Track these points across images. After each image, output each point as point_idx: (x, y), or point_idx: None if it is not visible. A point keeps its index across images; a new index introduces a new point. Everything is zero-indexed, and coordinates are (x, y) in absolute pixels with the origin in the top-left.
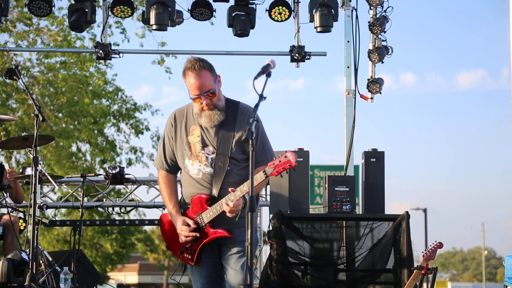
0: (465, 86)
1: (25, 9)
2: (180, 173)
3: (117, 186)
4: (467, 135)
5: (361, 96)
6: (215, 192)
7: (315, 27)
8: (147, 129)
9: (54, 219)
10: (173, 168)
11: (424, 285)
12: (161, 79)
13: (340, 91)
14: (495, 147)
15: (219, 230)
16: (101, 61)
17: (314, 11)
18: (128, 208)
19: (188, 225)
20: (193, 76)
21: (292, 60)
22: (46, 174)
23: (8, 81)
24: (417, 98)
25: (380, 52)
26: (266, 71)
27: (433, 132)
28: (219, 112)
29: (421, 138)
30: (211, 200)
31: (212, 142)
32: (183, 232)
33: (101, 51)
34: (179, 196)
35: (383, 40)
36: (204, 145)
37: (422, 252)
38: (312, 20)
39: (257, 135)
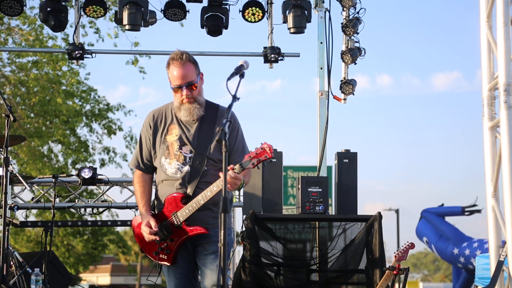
0: (440, 88)
1: None
2: (156, 173)
3: (90, 187)
4: (441, 136)
5: (334, 97)
6: (190, 191)
7: (289, 28)
8: (120, 129)
9: (25, 220)
10: (149, 168)
11: (396, 285)
12: (137, 80)
13: (315, 92)
14: (469, 149)
15: (197, 227)
16: (74, 61)
17: (287, 12)
18: (101, 209)
19: (150, 227)
20: (177, 65)
21: (266, 61)
22: (17, 174)
23: None
24: (392, 100)
25: (353, 54)
26: (239, 71)
27: (408, 133)
28: (199, 107)
29: (396, 139)
30: (186, 199)
31: (190, 141)
32: (144, 234)
33: (76, 52)
34: (153, 197)
35: (356, 42)
36: (182, 144)
37: (394, 253)
38: (285, 21)
39: (236, 136)
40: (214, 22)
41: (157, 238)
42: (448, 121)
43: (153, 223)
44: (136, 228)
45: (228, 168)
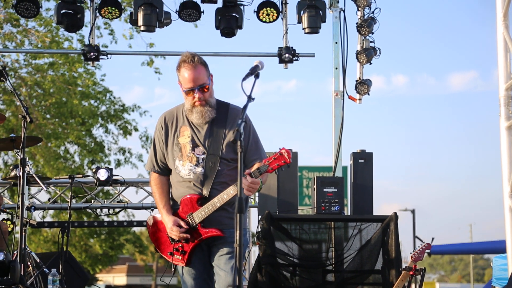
0: (456, 88)
1: (13, 10)
2: (171, 174)
3: (106, 187)
4: (457, 136)
5: (350, 97)
6: (205, 192)
7: (303, 28)
8: (136, 129)
9: (42, 220)
10: (164, 171)
11: (413, 286)
12: (153, 81)
13: (330, 92)
14: (484, 148)
15: (212, 230)
16: (89, 62)
17: (302, 12)
18: (117, 209)
19: (180, 226)
20: (188, 68)
21: (281, 61)
22: (34, 175)
23: None
24: (408, 100)
25: (368, 53)
26: (254, 72)
27: (424, 133)
28: (211, 109)
29: (411, 139)
30: (202, 200)
31: (202, 142)
32: (174, 233)
33: (92, 53)
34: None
35: (371, 41)
36: (194, 145)
37: (410, 253)
38: (300, 21)
39: (249, 134)
40: (228, 24)
41: (188, 236)
42: (464, 121)
43: (182, 222)
44: (151, 228)
45: (245, 173)
